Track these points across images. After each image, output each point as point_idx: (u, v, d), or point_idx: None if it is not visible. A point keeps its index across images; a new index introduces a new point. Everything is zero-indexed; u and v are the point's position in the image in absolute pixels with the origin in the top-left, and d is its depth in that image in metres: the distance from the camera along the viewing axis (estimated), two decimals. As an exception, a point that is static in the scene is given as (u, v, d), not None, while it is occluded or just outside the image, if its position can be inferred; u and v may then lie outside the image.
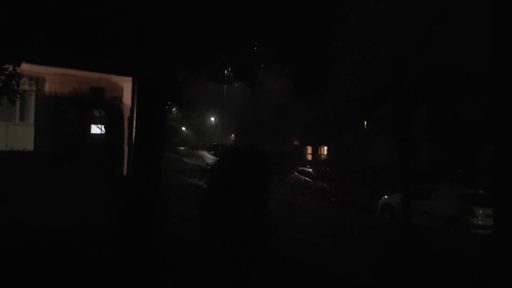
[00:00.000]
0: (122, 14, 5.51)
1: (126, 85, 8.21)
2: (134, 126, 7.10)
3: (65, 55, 6.17)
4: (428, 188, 14.53)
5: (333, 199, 18.50)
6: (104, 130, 9.72)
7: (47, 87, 9.47)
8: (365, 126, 24.36)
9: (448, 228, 13.18)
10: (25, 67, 6.41)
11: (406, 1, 11.86)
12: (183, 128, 49.92)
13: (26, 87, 8.88)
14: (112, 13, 5.44)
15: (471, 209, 12.95)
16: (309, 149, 40.38)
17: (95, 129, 10.13)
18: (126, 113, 8.18)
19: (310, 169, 21.66)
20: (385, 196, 15.98)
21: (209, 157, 7.79)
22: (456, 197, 13.59)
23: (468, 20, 11.89)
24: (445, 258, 9.79)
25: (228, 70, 8.83)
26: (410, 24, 12.04)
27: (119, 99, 8.78)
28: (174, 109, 20.22)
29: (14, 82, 5.73)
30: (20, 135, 9.34)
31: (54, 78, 9.24)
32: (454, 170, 20.28)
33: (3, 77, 5.57)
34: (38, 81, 9.46)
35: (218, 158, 6.86)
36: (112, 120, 9.26)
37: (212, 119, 58.76)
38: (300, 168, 22.40)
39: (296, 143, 41.27)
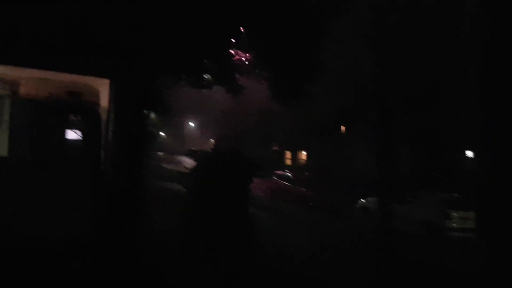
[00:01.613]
0: (99, 15, 5.44)
1: (103, 89, 8.10)
2: (111, 131, 7.00)
3: (40, 55, 6.05)
4: (405, 192, 14.78)
5: (311, 204, 18.61)
6: (81, 135, 9.54)
7: (22, 92, 9.24)
8: (345, 132, 24.64)
9: (426, 232, 13.42)
10: (-1, 70, 6.26)
11: (390, 12, 12.11)
12: (162, 133, 49.41)
13: (0, 91, 8.65)
14: (89, 14, 5.36)
15: (448, 214, 13.24)
16: (289, 155, 40.56)
17: (72, 134, 9.92)
18: (104, 118, 8.06)
19: (289, 174, 21.77)
20: (362, 200, 16.18)
21: (189, 163, 7.80)
22: (432, 201, 13.86)
23: (448, 33, 12.25)
24: (422, 261, 9.97)
25: (208, 75, 8.83)
26: (393, 34, 12.29)
27: (96, 103, 8.63)
28: (152, 114, 20.09)
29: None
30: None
31: (30, 82, 9.03)
32: (432, 175, 20.71)
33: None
34: (12, 85, 9.23)
35: (198, 163, 6.85)
36: (90, 125, 9.10)
37: (192, 124, 58.43)
38: (279, 172, 22.48)
39: (275, 148, 41.38)
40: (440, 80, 12.75)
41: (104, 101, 8.29)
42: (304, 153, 38.41)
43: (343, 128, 24.57)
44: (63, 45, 5.66)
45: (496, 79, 5.43)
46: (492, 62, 5.48)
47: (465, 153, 24.31)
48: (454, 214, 13.17)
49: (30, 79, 8.94)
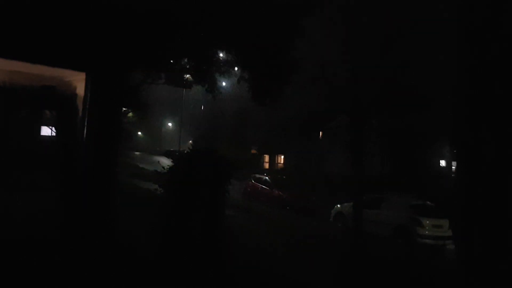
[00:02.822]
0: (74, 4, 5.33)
1: (79, 84, 7.95)
2: (86, 127, 6.86)
3: (14, 45, 5.89)
4: (378, 198, 15.00)
5: (288, 207, 18.72)
6: (55, 131, 9.33)
7: (-5, 84, 8.98)
8: (321, 136, 24.90)
9: (397, 237, 13.64)
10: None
11: (364, 16, 12.30)
12: (139, 133, 48.85)
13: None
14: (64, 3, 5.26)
15: (418, 219, 13.48)
16: (267, 158, 40.73)
17: (46, 130, 9.69)
18: (79, 114, 7.91)
19: (266, 177, 21.85)
20: (338, 205, 16.36)
21: (165, 163, 7.79)
22: (405, 207, 14.10)
23: (422, 37, 12.48)
24: (390, 265, 10.13)
25: (187, 74, 8.78)
26: (366, 38, 12.49)
27: (72, 99, 8.47)
28: (130, 113, 19.83)
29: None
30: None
31: (4, 75, 8.79)
32: (404, 180, 21.11)
33: None
34: (-16, 77, 8.96)
35: (175, 163, 6.79)
36: (64, 121, 8.92)
37: (170, 124, 57.96)
38: (257, 176, 22.54)
39: (253, 151, 41.47)
40: (414, 84, 13.01)
41: (80, 97, 8.14)
42: (282, 156, 38.61)
43: (319, 131, 24.83)
44: (39, 35, 5.51)
45: (470, 84, 5.54)
46: (467, 66, 5.60)
47: (438, 161, 24.93)
48: (426, 221, 13.42)
49: (5, 72, 8.70)
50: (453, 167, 22.48)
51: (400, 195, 15.23)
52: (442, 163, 25.16)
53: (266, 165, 40.09)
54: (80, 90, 7.79)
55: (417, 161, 22.31)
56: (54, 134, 9.34)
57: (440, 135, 19.50)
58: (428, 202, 14.59)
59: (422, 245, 13.15)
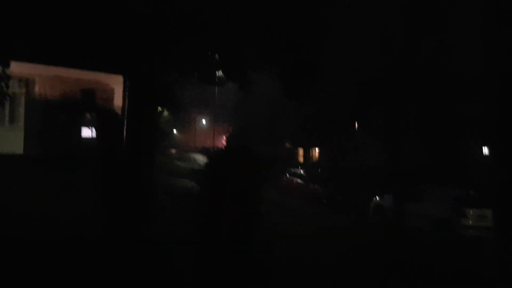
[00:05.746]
0: (112, 12, 5.48)
1: (117, 87, 8.18)
2: (124, 128, 7.05)
3: (55, 52, 6.13)
4: (419, 189, 14.59)
5: (324, 201, 18.55)
6: (95, 133, 9.65)
7: (38, 90, 9.39)
8: (356, 128, 24.48)
9: (439, 229, 13.23)
10: (14, 68, 6.36)
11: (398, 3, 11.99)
12: (175, 131, 49.72)
13: (16, 89, 8.80)
14: (102, 11, 5.41)
15: (462, 210, 13.01)
16: (301, 151, 40.45)
17: (86, 132, 10.04)
18: (117, 115, 8.13)
19: (301, 171, 21.74)
20: (377, 198, 16.04)
21: (200, 160, 7.86)
22: (447, 198, 13.64)
23: (459, 24, 12.05)
24: (434, 258, 9.85)
25: (219, 71, 8.82)
26: (401, 26, 12.16)
27: (110, 101, 8.73)
28: (165, 111, 20.18)
29: (3, 84, 5.70)
30: (9, 139, 9.25)
31: (45, 80, 9.16)
32: (444, 171, 20.43)
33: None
34: (28, 83, 9.38)
35: (211, 160, 6.87)
36: (103, 123, 9.21)
37: (204, 121, 58.66)
38: (292, 170, 22.47)
39: (288, 145, 41.29)
40: (455, 72, 12.56)
41: (118, 99, 8.36)
42: (316, 149, 38.25)
43: (355, 123, 24.44)
44: (77, 41, 5.70)
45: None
46: (503, 54, 5.38)
47: (481, 149, 23.94)
48: (470, 211, 12.93)
49: (46, 77, 9.08)
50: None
51: (442, 186, 14.73)
52: (485, 151, 24.16)
53: (301, 159, 39.83)
54: (118, 92, 8.01)
55: (459, 150, 21.52)
56: (94, 136, 9.66)
57: (481, 124, 18.74)
58: (471, 191, 14.06)
59: (466, 236, 12.70)
